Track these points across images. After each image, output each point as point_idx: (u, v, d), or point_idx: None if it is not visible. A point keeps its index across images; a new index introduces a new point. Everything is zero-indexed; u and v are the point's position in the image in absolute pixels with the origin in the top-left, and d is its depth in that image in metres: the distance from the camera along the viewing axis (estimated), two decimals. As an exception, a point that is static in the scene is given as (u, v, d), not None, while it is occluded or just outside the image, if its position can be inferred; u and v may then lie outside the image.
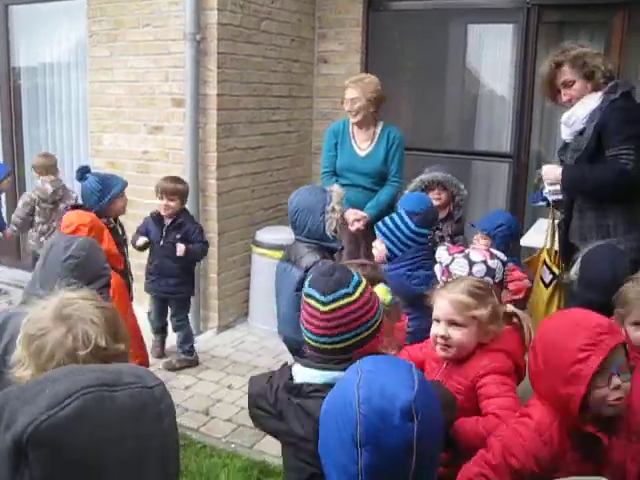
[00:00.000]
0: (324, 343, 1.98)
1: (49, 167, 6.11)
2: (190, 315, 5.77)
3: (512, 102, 6.08)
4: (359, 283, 2.03)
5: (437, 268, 3.07)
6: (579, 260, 3.33)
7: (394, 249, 3.65)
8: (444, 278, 2.96)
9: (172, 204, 4.99)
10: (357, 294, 1.99)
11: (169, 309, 5.30)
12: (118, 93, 5.99)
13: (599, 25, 5.87)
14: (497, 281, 2.90)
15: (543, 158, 6.13)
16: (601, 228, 3.74)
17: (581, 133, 3.77)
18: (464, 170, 6.33)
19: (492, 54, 6.36)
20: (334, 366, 1.95)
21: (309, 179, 6.75)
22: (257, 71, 5.93)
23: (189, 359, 5.26)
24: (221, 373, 5.12)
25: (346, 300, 1.97)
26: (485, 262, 2.86)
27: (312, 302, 2.01)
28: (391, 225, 3.71)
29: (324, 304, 1.97)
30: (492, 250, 3.01)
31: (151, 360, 4.97)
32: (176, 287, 5.14)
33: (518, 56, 5.91)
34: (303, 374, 2.03)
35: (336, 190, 3.78)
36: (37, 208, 6.04)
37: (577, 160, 3.77)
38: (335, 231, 3.72)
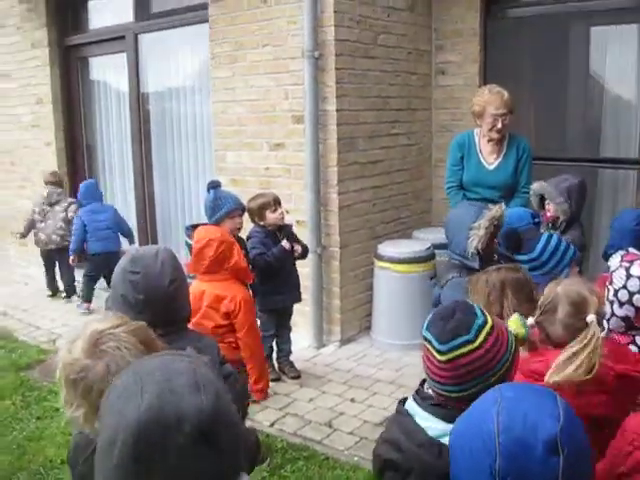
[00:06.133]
0: (446, 391, 1.80)
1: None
2: (314, 329, 5.86)
3: (639, 106, 5.84)
4: (482, 326, 1.81)
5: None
6: None
7: None
8: (607, 283, 2.76)
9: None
10: (479, 340, 1.79)
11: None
12: (240, 112, 6.16)
13: None
14: None
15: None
16: None
17: None
18: (590, 178, 6.11)
19: (616, 57, 6.10)
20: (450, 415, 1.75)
21: (430, 191, 6.71)
22: (375, 85, 5.96)
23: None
24: (344, 386, 5.13)
25: (467, 349, 1.78)
26: None
27: (429, 348, 1.84)
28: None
29: (441, 353, 1.79)
30: None
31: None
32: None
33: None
34: (418, 415, 1.89)
35: (495, 209, 3.55)
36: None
37: None
38: (478, 251, 3.49)
